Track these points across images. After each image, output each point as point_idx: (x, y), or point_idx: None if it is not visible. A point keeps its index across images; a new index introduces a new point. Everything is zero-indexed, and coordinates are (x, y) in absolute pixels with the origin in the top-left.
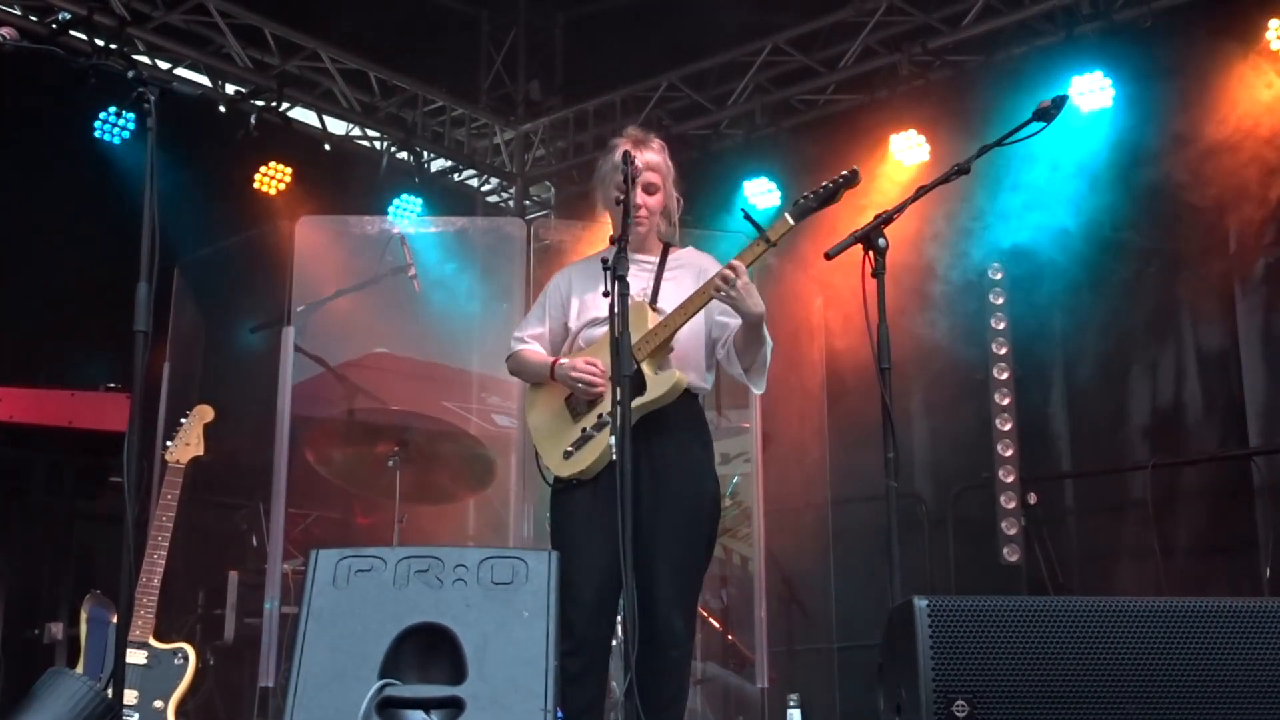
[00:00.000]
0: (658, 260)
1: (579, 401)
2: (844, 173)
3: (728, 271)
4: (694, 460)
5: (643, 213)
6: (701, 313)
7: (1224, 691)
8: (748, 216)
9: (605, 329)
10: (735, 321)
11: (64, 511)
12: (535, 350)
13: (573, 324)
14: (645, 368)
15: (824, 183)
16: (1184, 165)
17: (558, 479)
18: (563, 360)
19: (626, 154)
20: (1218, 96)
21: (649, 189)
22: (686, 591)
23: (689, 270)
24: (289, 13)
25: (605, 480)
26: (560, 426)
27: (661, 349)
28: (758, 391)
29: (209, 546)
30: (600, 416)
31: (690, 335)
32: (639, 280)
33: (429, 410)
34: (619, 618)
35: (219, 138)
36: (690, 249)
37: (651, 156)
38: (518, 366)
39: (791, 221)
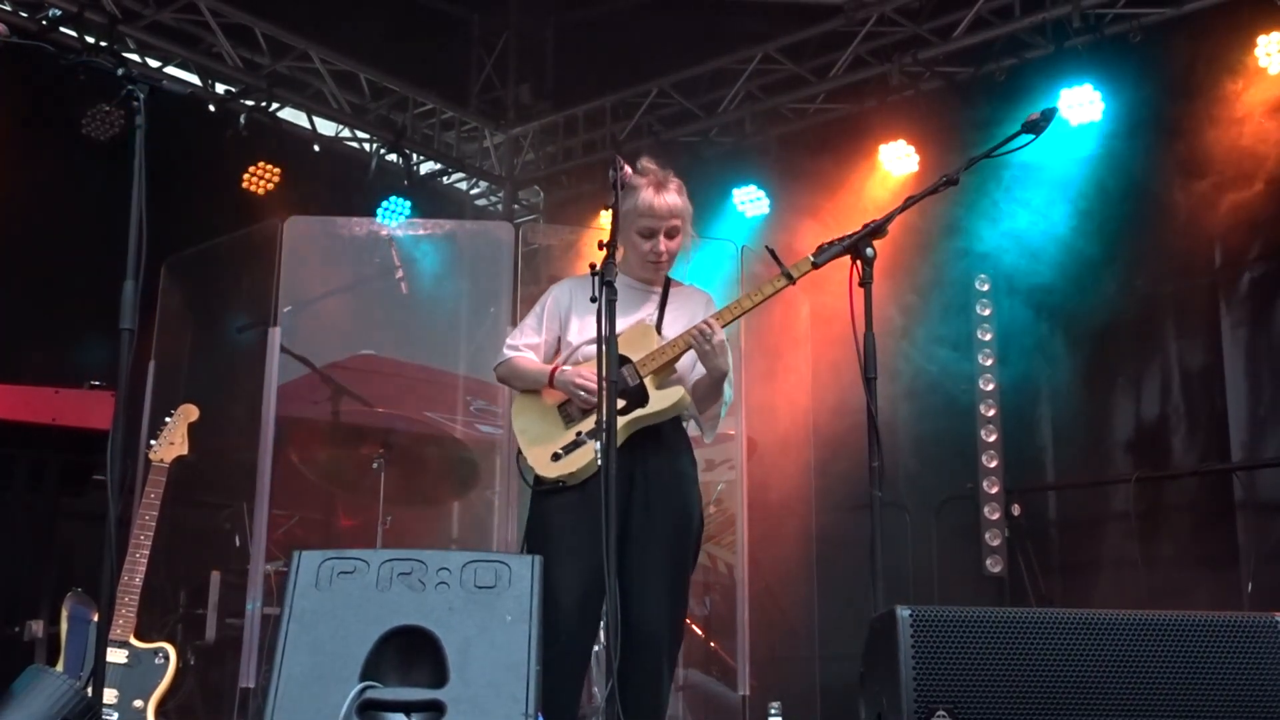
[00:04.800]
0: (662, 290)
1: (573, 408)
2: (871, 222)
3: (705, 328)
4: (684, 475)
5: (664, 258)
6: None
7: (1205, 704)
8: (771, 253)
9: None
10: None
11: (46, 509)
12: (530, 358)
13: (572, 339)
14: (648, 383)
15: (850, 232)
16: (1171, 179)
17: (541, 480)
18: (564, 367)
19: (616, 159)
20: (1205, 111)
21: (670, 233)
22: (677, 601)
23: (696, 301)
24: (280, 13)
25: (594, 486)
26: (550, 430)
27: (665, 369)
28: (707, 441)
29: (192, 546)
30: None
31: (688, 362)
32: (646, 307)
33: (414, 413)
34: (601, 623)
35: (208, 137)
36: (692, 285)
37: (674, 200)
38: (510, 373)
39: (813, 260)
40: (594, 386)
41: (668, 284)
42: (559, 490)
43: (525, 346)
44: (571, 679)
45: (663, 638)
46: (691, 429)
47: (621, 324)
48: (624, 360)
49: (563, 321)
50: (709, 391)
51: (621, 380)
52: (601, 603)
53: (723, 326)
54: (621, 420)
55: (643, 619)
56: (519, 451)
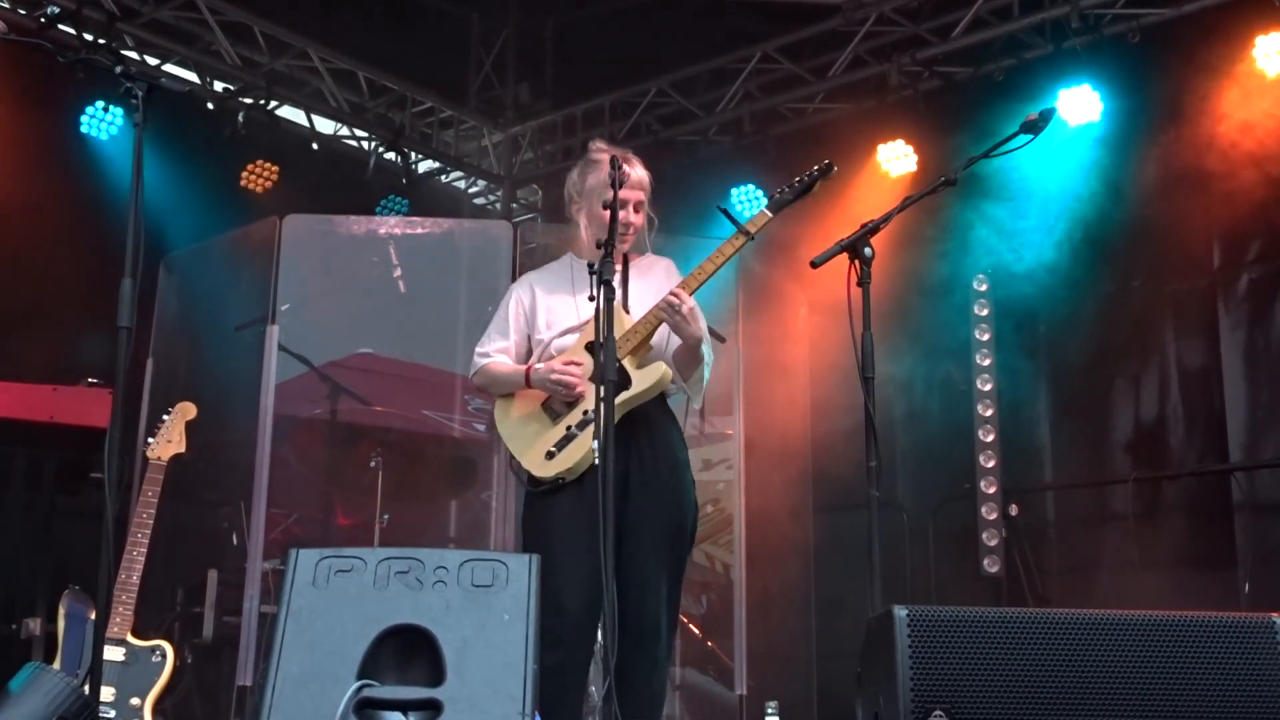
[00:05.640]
0: (621, 267)
1: (557, 403)
2: (819, 165)
3: (672, 299)
4: (678, 461)
5: (631, 231)
6: None
7: (1201, 705)
8: (725, 213)
9: (578, 336)
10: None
11: (44, 507)
12: (503, 362)
13: (543, 335)
14: (627, 364)
15: (800, 175)
16: (1170, 180)
17: (538, 480)
18: (538, 365)
19: (614, 159)
20: (1204, 112)
21: (637, 206)
22: (673, 590)
23: (657, 271)
24: (278, 11)
25: (590, 481)
26: (539, 429)
27: (642, 347)
28: (695, 405)
29: (189, 544)
30: (585, 414)
31: (662, 334)
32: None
33: (412, 412)
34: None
35: (207, 134)
36: (649, 254)
37: (641, 172)
38: (488, 380)
39: (770, 214)
40: (570, 379)
41: (625, 260)
42: (556, 490)
43: (496, 352)
44: (580, 681)
45: (661, 628)
46: (675, 405)
47: (588, 311)
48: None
49: (529, 320)
50: (688, 358)
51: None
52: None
53: (690, 294)
54: None
55: (642, 611)
56: (511, 456)
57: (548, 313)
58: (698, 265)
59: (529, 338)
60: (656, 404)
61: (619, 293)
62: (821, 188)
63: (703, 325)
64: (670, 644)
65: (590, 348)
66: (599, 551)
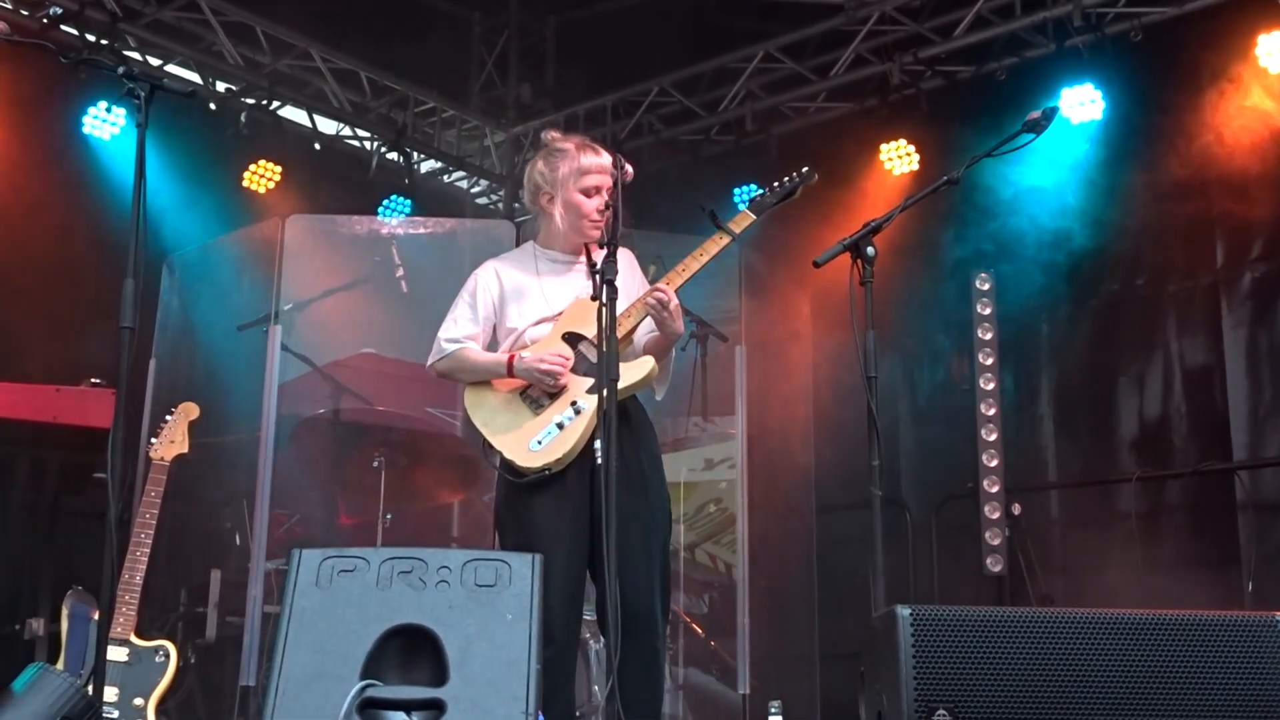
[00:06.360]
0: (586, 259)
1: (537, 393)
2: (801, 170)
3: (660, 295)
4: (654, 452)
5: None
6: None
7: (1204, 704)
8: (710, 214)
9: (552, 325)
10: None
11: (47, 507)
12: (475, 349)
13: (515, 323)
14: None
15: (783, 179)
16: (1172, 179)
17: (519, 471)
18: (524, 354)
19: (617, 158)
20: (1207, 110)
21: (608, 191)
22: (663, 580)
23: (621, 262)
24: (280, 11)
25: (575, 473)
26: (520, 419)
27: (625, 340)
28: (658, 398)
29: (192, 544)
30: (575, 404)
31: (642, 328)
32: (577, 280)
33: (415, 411)
34: (591, 617)
35: (209, 135)
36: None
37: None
38: (456, 366)
39: (752, 216)
40: (560, 369)
41: (589, 251)
42: (540, 482)
43: (466, 338)
44: (569, 676)
45: (657, 620)
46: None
47: (558, 300)
48: (579, 338)
49: (497, 308)
50: (662, 353)
51: (583, 358)
52: (583, 596)
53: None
54: (593, 401)
55: (637, 603)
56: (485, 443)
57: (518, 301)
58: (680, 262)
59: (494, 325)
60: (631, 398)
61: (590, 284)
62: (823, 187)
63: (683, 322)
64: (665, 634)
65: (567, 337)
66: (584, 545)
